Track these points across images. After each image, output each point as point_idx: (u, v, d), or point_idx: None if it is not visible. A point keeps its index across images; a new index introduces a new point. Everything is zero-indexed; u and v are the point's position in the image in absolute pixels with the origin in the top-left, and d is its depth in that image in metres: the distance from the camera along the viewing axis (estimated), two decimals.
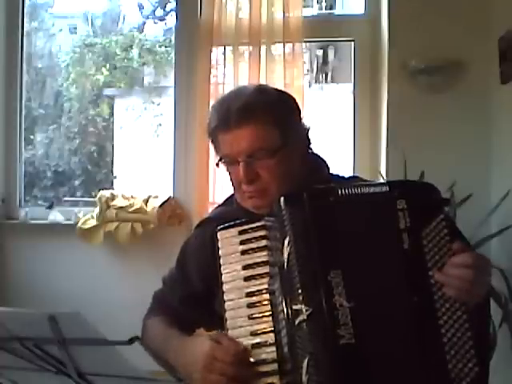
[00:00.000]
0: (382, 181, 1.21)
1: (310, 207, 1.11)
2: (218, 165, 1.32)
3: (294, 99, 1.36)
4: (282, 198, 1.13)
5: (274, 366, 1.11)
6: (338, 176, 1.40)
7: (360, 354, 1.05)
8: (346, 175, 1.43)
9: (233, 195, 1.38)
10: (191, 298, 1.36)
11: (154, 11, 4.31)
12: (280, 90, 1.40)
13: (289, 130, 1.28)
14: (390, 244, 1.11)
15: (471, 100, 2.72)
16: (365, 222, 1.12)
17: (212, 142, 1.33)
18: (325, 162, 1.41)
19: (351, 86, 3.12)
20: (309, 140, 1.36)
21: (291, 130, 1.29)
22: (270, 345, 1.12)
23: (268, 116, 1.25)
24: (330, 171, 1.40)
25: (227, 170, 1.31)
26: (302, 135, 1.34)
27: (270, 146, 1.25)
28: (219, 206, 1.47)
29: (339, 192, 1.13)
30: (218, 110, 1.29)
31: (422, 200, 1.13)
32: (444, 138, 2.73)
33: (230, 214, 1.34)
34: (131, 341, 0.86)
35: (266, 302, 1.14)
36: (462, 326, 1.07)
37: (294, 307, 1.07)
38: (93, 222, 3.06)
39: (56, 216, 3.19)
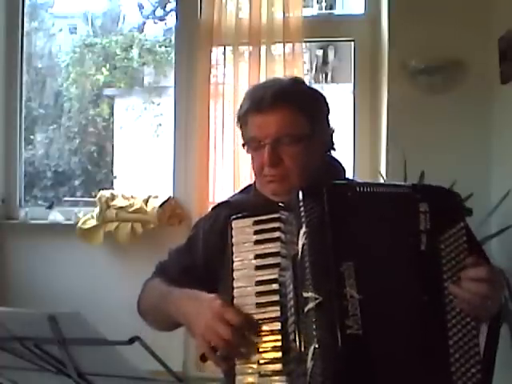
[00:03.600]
0: (406, 183, 1.23)
1: (328, 201, 1.11)
2: (244, 146, 1.36)
3: (325, 98, 1.40)
4: (300, 191, 1.14)
5: (277, 354, 1.11)
6: (352, 181, 1.46)
7: (366, 346, 1.05)
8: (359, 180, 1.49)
9: (251, 184, 1.42)
10: (191, 271, 1.37)
11: (154, 11, 4.31)
12: (314, 87, 1.46)
13: (317, 122, 1.33)
14: (407, 243, 1.13)
15: (471, 100, 2.72)
16: (383, 220, 1.13)
17: (240, 126, 1.37)
18: (342, 166, 1.46)
19: (351, 85, 3.13)
20: (332, 141, 1.41)
21: (319, 123, 1.34)
22: (277, 333, 1.12)
23: (300, 104, 1.30)
24: (346, 176, 1.47)
25: (251, 153, 1.35)
26: (327, 133, 1.39)
27: (297, 133, 1.29)
28: (238, 192, 1.50)
29: (358, 189, 1.16)
30: (253, 94, 1.34)
31: (445, 206, 1.15)
32: (444, 138, 2.73)
33: (247, 200, 1.39)
34: (131, 341, 0.86)
35: (274, 292, 1.14)
36: (469, 332, 1.08)
37: (304, 295, 1.07)
38: (93, 222, 3.06)
39: (56, 216, 3.20)
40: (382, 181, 2.66)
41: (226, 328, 1.10)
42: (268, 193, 1.34)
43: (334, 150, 1.42)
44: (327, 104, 1.39)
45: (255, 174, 1.37)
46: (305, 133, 1.30)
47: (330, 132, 1.39)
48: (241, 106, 1.36)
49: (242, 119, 1.35)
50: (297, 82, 1.39)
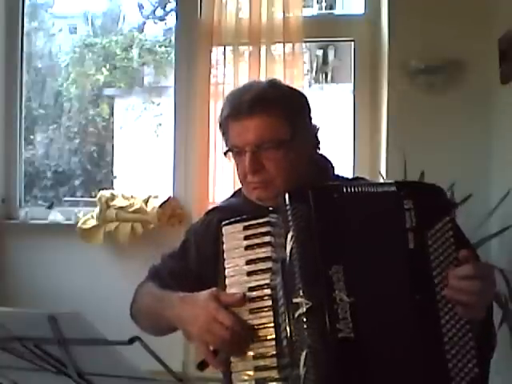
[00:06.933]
0: (389, 181, 1.22)
1: (314, 203, 1.11)
2: (225, 154, 1.35)
3: (305, 97, 1.38)
4: (286, 194, 1.13)
5: (273, 360, 1.11)
6: (342, 177, 1.43)
7: (358, 349, 1.05)
8: (350, 177, 1.46)
9: (240, 189, 1.41)
10: (183, 277, 1.36)
11: (154, 11, 4.31)
12: (293, 88, 1.44)
13: (298, 125, 1.30)
14: (395, 242, 1.12)
15: (471, 100, 2.72)
16: (370, 220, 1.13)
17: (222, 132, 1.36)
18: (330, 162, 1.43)
19: (351, 86, 3.13)
20: (317, 140, 1.38)
21: (300, 125, 1.31)
22: (270, 339, 1.12)
23: (278, 109, 1.28)
24: (335, 172, 1.43)
25: (235, 160, 1.34)
26: (310, 133, 1.36)
27: (277, 138, 1.27)
28: (229, 197, 1.49)
29: (344, 190, 1.14)
30: (231, 100, 1.32)
31: (429, 201, 1.14)
32: (444, 138, 2.73)
33: (237, 205, 1.38)
34: (131, 341, 0.86)
35: (267, 297, 1.14)
36: (463, 327, 1.07)
37: (294, 300, 1.07)
38: (93, 222, 3.06)
39: (56, 216, 3.20)
40: (381, 181, 2.66)
41: (221, 328, 1.10)
42: (254, 199, 1.33)
43: (319, 148, 1.39)
44: (308, 103, 1.37)
45: (240, 181, 1.36)
46: (285, 137, 1.27)
47: (313, 131, 1.37)
48: (221, 111, 1.34)
49: (223, 126, 1.34)
50: (274, 84, 1.36)
